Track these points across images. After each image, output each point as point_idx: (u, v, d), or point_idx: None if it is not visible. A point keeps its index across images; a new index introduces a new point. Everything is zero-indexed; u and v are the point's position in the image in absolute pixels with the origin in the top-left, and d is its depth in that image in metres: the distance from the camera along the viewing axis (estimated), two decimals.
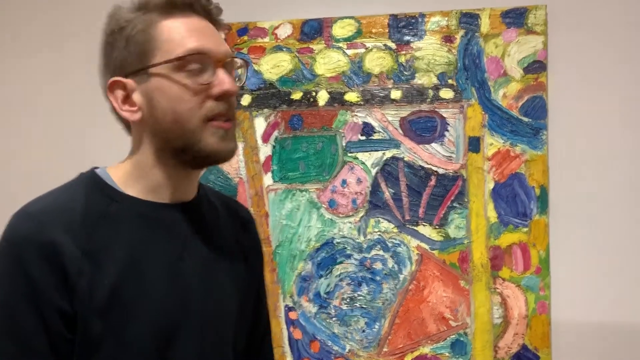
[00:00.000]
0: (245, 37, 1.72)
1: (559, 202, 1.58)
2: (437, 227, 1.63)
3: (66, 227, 0.76)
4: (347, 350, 1.67)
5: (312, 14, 1.68)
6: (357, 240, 1.67)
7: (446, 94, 1.63)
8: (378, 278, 1.66)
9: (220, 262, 0.89)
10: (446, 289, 1.63)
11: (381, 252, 1.66)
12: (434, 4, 1.63)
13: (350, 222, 1.67)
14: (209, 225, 0.89)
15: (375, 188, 1.66)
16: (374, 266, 1.66)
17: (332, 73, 1.68)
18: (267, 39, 1.71)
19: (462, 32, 1.62)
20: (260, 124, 1.71)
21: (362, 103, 1.67)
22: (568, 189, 1.58)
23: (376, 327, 1.65)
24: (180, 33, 0.80)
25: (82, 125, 1.76)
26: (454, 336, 1.62)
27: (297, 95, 1.70)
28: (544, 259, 1.58)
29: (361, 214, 1.67)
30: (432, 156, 1.64)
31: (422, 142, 1.64)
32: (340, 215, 1.68)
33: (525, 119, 1.59)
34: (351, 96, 1.67)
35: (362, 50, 1.67)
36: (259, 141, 1.71)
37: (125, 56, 0.81)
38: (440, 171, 1.63)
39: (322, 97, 1.69)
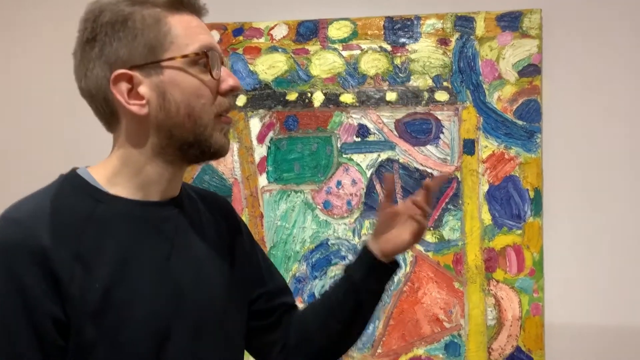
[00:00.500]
0: (241, 38, 1.71)
1: (552, 205, 1.59)
2: (431, 228, 1.64)
3: (54, 231, 0.74)
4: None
5: (308, 15, 1.68)
6: (352, 242, 1.67)
7: (441, 96, 1.64)
8: None
9: (207, 256, 0.88)
10: (440, 291, 1.63)
11: None
12: (429, 6, 1.64)
13: (345, 224, 1.67)
14: (192, 220, 0.88)
15: (370, 189, 1.67)
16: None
17: (328, 74, 1.68)
18: (262, 40, 1.71)
19: (457, 35, 1.63)
20: (255, 124, 1.71)
21: (357, 104, 1.67)
22: (562, 192, 1.59)
23: (370, 328, 1.65)
24: (192, 29, 0.81)
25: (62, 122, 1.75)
26: (447, 338, 1.63)
27: (292, 96, 1.70)
28: (537, 261, 1.59)
29: (356, 215, 1.67)
30: (427, 158, 1.65)
31: (417, 144, 1.65)
32: (335, 217, 1.68)
33: (520, 122, 1.60)
34: (346, 97, 1.67)
35: (358, 51, 1.67)
36: (254, 142, 1.71)
37: (131, 49, 0.79)
38: (435, 173, 1.64)
39: (318, 98, 1.69)
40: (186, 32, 0.80)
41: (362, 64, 1.67)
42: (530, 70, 1.59)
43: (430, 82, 1.64)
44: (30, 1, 1.81)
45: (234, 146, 1.72)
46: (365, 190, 1.67)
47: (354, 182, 1.67)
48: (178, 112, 0.80)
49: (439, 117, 1.64)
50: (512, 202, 1.60)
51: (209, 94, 0.81)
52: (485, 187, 1.61)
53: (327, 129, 1.68)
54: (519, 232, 1.59)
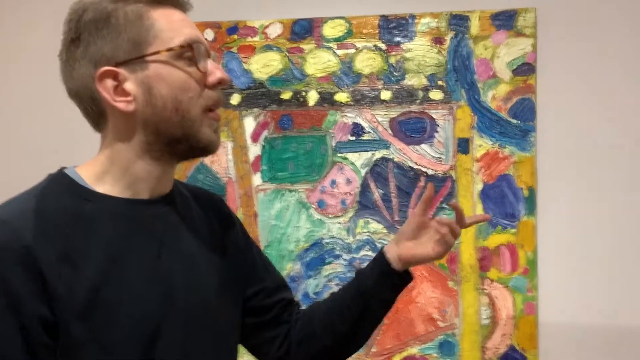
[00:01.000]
0: (235, 36, 1.71)
1: (547, 204, 1.59)
2: None
3: (41, 231, 0.74)
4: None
5: (303, 14, 1.68)
6: (346, 241, 1.67)
7: (436, 95, 1.64)
8: None
9: (198, 254, 0.87)
10: (435, 290, 1.63)
11: (370, 253, 1.66)
12: (424, 5, 1.64)
13: (339, 223, 1.67)
14: (183, 217, 0.88)
15: (364, 189, 1.66)
16: (362, 267, 1.66)
17: (322, 73, 1.68)
18: (257, 38, 1.70)
19: (452, 34, 1.63)
20: (249, 123, 1.70)
21: (352, 103, 1.67)
22: (556, 191, 1.59)
23: None
24: (175, 22, 0.80)
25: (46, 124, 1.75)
26: (442, 337, 1.63)
27: (286, 95, 1.69)
28: (531, 260, 1.59)
29: (350, 214, 1.67)
30: (422, 157, 1.65)
31: (411, 143, 1.65)
32: (330, 216, 1.68)
33: (514, 121, 1.60)
34: (341, 96, 1.67)
35: (353, 50, 1.67)
36: (249, 141, 1.71)
37: (115, 46, 0.79)
38: (430, 172, 1.64)
39: (312, 97, 1.68)
40: (170, 26, 0.80)
41: (357, 63, 1.67)
42: (524, 69, 1.59)
43: (425, 81, 1.64)
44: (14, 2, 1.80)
45: (228, 145, 1.71)
46: (359, 189, 1.66)
47: (348, 181, 1.67)
48: (165, 107, 0.79)
49: (434, 116, 1.64)
50: (506, 201, 1.60)
51: (196, 87, 0.80)
52: (480, 186, 1.61)
53: (322, 128, 1.68)
54: (513, 231, 1.60)
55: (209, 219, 0.93)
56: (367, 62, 1.66)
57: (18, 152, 1.79)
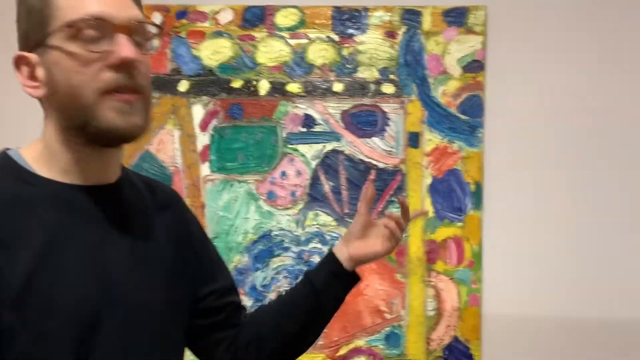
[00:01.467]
0: (184, 21, 1.65)
1: (492, 198, 1.63)
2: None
3: None
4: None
5: (255, 1, 1.64)
6: (295, 233, 1.65)
7: (387, 88, 1.64)
8: None
9: (146, 247, 0.84)
10: (382, 282, 1.65)
11: (319, 245, 1.65)
12: None
13: (288, 215, 1.65)
14: (133, 209, 0.84)
15: (314, 181, 1.65)
16: (311, 259, 1.65)
17: (274, 62, 1.65)
18: (207, 24, 1.65)
19: (404, 29, 1.64)
20: (198, 111, 1.65)
21: (303, 94, 1.65)
22: (502, 186, 1.63)
23: None
24: None
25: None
26: (388, 329, 1.64)
27: (237, 84, 1.65)
28: (477, 253, 1.63)
29: (300, 206, 1.65)
30: (373, 150, 1.65)
31: (362, 135, 1.65)
32: (279, 208, 1.66)
33: (463, 117, 1.63)
34: (293, 87, 1.65)
35: (305, 40, 1.65)
36: (197, 129, 1.66)
37: (27, 28, 0.76)
38: (380, 165, 1.65)
39: (263, 86, 1.65)
40: (68, 3, 0.74)
41: (310, 54, 1.65)
42: (474, 66, 1.62)
43: (377, 74, 1.64)
44: None
45: (175, 133, 1.66)
46: (310, 181, 1.65)
47: (298, 173, 1.65)
48: (63, 92, 0.75)
49: (385, 110, 1.64)
50: (454, 195, 1.63)
51: (91, 69, 0.73)
52: (429, 180, 1.64)
53: (273, 119, 1.65)
54: (460, 224, 1.63)
55: (164, 213, 0.89)
56: (319, 53, 1.65)
57: None
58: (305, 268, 1.64)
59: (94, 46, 0.73)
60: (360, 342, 1.64)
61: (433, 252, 1.63)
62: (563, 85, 1.62)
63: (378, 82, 1.64)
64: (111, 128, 0.74)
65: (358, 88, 1.65)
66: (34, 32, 0.75)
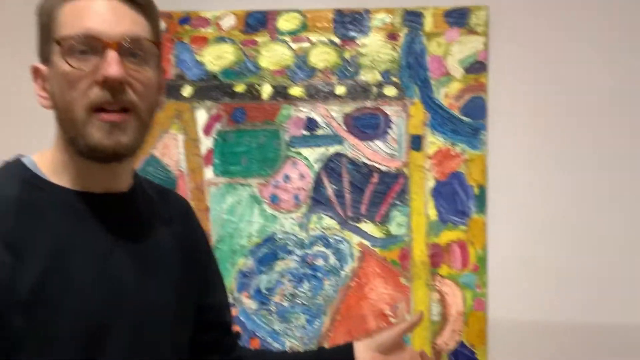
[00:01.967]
0: (187, 27, 1.67)
1: (496, 201, 1.61)
2: (378, 224, 1.63)
3: None
4: (287, 347, 1.65)
5: (257, 6, 1.66)
6: (299, 237, 1.66)
7: (390, 91, 1.63)
8: (319, 274, 1.65)
9: (156, 257, 0.85)
10: (387, 286, 1.64)
11: (323, 249, 1.65)
12: (379, 0, 1.63)
13: (292, 218, 1.66)
14: (143, 218, 0.86)
15: (318, 184, 1.65)
16: (315, 262, 1.65)
17: (276, 67, 1.66)
18: (210, 29, 1.67)
19: (406, 30, 1.62)
20: (201, 116, 1.67)
21: (306, 98, 1.65)
22: (506, 189, 1.61)
23: (317, 323, 1.64)
24: (72, 15, 0.76)
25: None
26: None
27: (240, 88, 1.67)
28: (481, 257, 1.60)
29: (303, 210, 1.65)
30: (375, 153, 1.64)
31: (365, 138, 1.64)
32: (283, 211, 1.66)
33: (466, 119, 1.61)
34: (295, 91, 1.66)
35: (307, 44, 1.65)
36: (200, 134, 1.68)
37: (39, 42, 0.79)
38: (383, 168, 1.64)
39: (266, 90, 1.66)
40: (67, 19, 0.76)
41: (312, 57, 1.65)
42: (476, 67, 1.60)
43: (379, 77, 1.63)
44: None
45: (179, 138, 1.68)
46: (313, 184, 1.65)
47: (301, 177, 1.66)
48: (59, 106, 0.78)
49: (387, 112, 1.64)
50: (457, 199, 1.61)
51: (81, 86, 0.75)
52: (432, 183, 1.62)
53: (275, 122, 1.66)
54: (464, 228, 1.61)
55: (174, 223, 0.91)
56: (321, 57, 1.65)
57: None
58: (309, 271, 1.65)
59: (84, 63, 0.75)
60: None
61: (437, 255, 1.61)
62: (567, 84, 1.59)
63: (380, 85, 1.64)
64: (97, 146, 0.75)
65: (360, 91, 1.64)
66: (43, 46, 0.78)
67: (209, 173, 1.67)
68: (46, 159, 0.81)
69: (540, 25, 1.59)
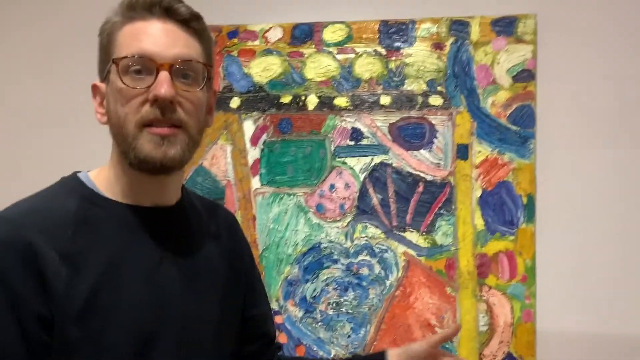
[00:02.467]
0: (236, 40, 1.71)
1: (545, 211, 1.58)
2: (424, 233, 1.63)
3: (44, 229, 0.76)
4: (332, 355, 1.66)
5: (303, 18, 1.68)
6: (344, 245, 1.67)
7: (435, 100, 1.63)
8: (364, 283, 1.65)
9: (202, 268, 0.88)
10: (432, 296, 1.63)
11: (368, 258, 1.66)
12: (424, 10, 1.63)
13: (337, 227, 1.67)
14: (191, 230, 0.89)
15: (363, 193, 1.66)
16: (360, 272, 1.66)
17: (322, 77, 1.68)
18: (257, 42, 1.71)
19: (452, 40, 1.62)
20: (249, 126, 1.71)
21: (351, 108, 1.67)
22: (555, 198, 1.58)
23: (362, 332, 1.65)
24: (129, 37, 0.81)
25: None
26: None
27: (286, 99, 1.69)
28: (530, 267, 1.58)
29: (349, 219, 1.66)
30: (420, 163, 1.64)
31: (410, 148, 1.64)
32: (328, 220, 1.68)
33: (514, 128, 1.59)
34: (340, 101, 1.67)
35: (352, 55, 1.67)
36: (248, 144, 1.71)
37: (99, 61, 0.84)
38: (428, 178, 1.63)
39: (312, 101, 1.68)
40: (123, 40, 0.81)
41: (357, 68, 1.67)
42: (524, 75, 1.58)
43: (424, 87, 1.64)
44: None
45: (227, 148, 1.72)
46: (358, 194, 1.66)
47: (347, 186, 1.67)
48: (113, 122, 0.82)
49: (433, 122, 1.63)
50: (505, 208, 1.59)
51: (134, 103, 0.79)
52: (479, 193, 1.61)
53: (321, 132, 1.68)
54: (512, 238, 1.59)
55: (220, 236, 0.94)
56: (366, 67, 1.66)
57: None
58: (354, 280, 1.65)
59: (139, 82, 0.79)
60: None
61: (484, 266, 1.60)
62: (615, 93, 1.56)
63: (425, 95, 1.64)
64: (147, 158, 0.79)
65: (405, 101, 1.65)
66: (102, 65, 0.83)
67: (255, 183, 1.70)
68: (100, 174, 0.85)
69: (589, 33, 1.57)
